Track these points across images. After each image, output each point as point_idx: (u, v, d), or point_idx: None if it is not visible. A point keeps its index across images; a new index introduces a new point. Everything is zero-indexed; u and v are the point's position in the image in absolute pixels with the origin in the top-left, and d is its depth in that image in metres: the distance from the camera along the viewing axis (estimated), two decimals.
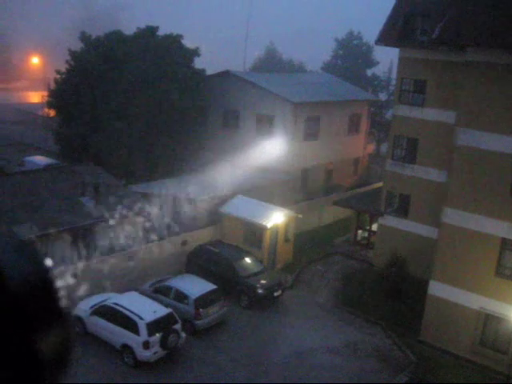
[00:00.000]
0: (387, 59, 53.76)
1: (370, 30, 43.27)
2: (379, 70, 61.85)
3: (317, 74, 53.69)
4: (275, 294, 24.72)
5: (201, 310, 21.74)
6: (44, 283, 1.13)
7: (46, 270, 1.15)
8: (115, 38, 37.01)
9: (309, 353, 21.13)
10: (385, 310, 24.47)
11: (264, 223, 27.46)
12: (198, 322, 21.70)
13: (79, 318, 21.05)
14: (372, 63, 63.47)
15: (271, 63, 66.13)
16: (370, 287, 26.55)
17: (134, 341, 19.19)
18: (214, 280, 23.74)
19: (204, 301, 22.06)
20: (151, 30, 37.69)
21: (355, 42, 64.08)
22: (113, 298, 21.01)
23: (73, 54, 37.24)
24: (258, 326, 22.90)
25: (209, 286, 22.91)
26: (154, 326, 19.30)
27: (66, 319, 1.17)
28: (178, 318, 20.24)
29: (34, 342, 1.06)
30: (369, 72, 62.91)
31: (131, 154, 34.72)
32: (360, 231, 31.99)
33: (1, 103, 62.34)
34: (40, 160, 40.69)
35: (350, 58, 62.60)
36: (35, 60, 77.46)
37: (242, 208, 28.79)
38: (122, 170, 33.49)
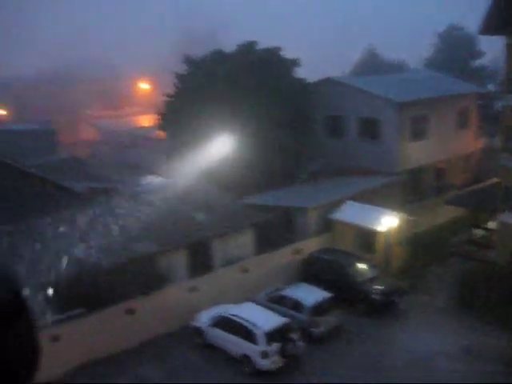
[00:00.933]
0: (493, 48, 51.38)
1: (472, 21, 41.62)
2: (485, 61, 59.27)
3: (419, 71, 52.31)
4: (391, 300, 24.28)
5: (317, 318, 21.79)
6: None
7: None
8: (218, 57, 38.21)
9: (429, 358, 20.54)
10: (508, 313, 23.30)
11: (376, 227, 27.11)
12: (314, 330, 21.76)
13: (199, 330, 21.77)
14: (477, 54, 60.96)
15: (372, 65, 65.28)
16: (491, 288, 25.39)
17: (253, 350, 19.57)
18: (328, 288, 23.72)
19: (320, 309, 22.10)
20: (250, 45, 38.50)
21: (457, 33, 61.87)
22: (230, 309, 21.55)
23: (179, 76, 38.85)
24: (375, 333, 22.59)
25: (324, 294, 22.93)
26: (271, 336, 19.59)
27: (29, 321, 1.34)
28: (295, 326, 20.42)
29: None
30: (474, 63, 60.47)
31: (239, 168, 35.49)
32: (476, 230, 30.70)
33: (114, 129, 65.99)
34: (154, 181, 42.57)
35: (453, 51, 60.49)
36: (145, 86, 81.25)
37: (353, 213, 28.58)
38: (231, 184, 34.30)
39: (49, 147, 54.50)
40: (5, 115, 70.51)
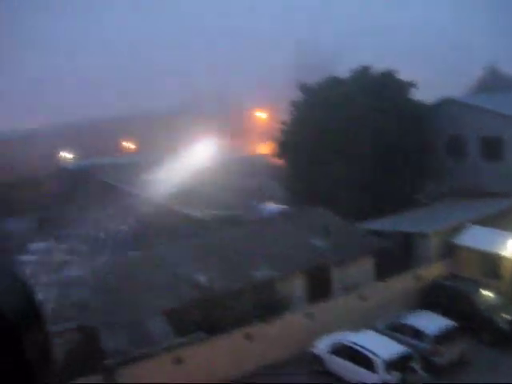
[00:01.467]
0: None
1: None
2: None
3: None
4: None
5: (439, 346, 21.03)
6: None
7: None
8: (332, 83, 38.48)
9: None
10: None
11: (502, 252, 25.81)
12: (436, 359, 20.99)
13: (318, 357, 21.72)
14: None
15: (493, 82, 62.56)
16: None
17: (372, 379, 19.22)
18: (451, 316, 22.82)
19: (442, 337, 21.31)
20: (365, 70, 38.43)
21: None
22: (350, 337, 21.34)
23: (294, 104, 39.51)
24: (502, 364, 21.36)
25: (446, 323, 22.10)
26: (392, 365, 19.16)
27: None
28: (416, 356, 19.84)
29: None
30: None
31: (355, 193, 35.28)
32: None
33: (235, 157, 67.93)
34: (272, 207, 43.31)
35: None
36: (262, 115, 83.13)
37: (476, 238, 27.42)
38: (348, 210, 34.13)
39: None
40: (132, 148, 74.97)
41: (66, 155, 70.85)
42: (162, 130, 71.88)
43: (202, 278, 23.74)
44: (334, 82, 38.44)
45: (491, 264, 26.23)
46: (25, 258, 31.67)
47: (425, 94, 38.37)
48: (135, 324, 21.30)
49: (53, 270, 26.32)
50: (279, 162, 42.87)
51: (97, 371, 18.93)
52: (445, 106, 37.26)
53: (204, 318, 21.95)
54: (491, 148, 34.65)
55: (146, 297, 23.03)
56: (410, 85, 37.77)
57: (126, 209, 34.77)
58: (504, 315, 22.93)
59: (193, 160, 69.82)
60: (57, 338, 19.33)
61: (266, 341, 22.67)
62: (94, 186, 39.44)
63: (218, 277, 24.09)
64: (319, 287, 26.13)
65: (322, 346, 21.90)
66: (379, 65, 38.90)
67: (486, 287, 24.62)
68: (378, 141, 35.08)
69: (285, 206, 41.86)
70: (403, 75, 38.25)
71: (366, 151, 34.85)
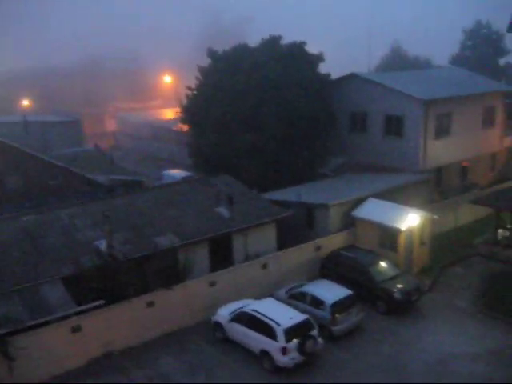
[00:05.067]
0: None
1: (499, 18, 41.01)
2: None
3: (445, 69, 51.72)
4: (413, 299, 24.09)
5: (337, 315, 21.71)
6: None
7: None
8: (241, 51, 38.13)
9: (450, 360, 20.33)
10: None
11: (398, 226, 26.89)
12: (334, 327, 21.69)
13: (219, 324, 21.82)
14: (504, 52, 60.14)
15: (397, 61, 64.75)
16: None
17: (272, 346, 19.55)
18: (348, 285, 23.62)
19: (340, 306, 21.99)
20: (275, 40, 38.38)
21: (484, 31, 61.03)
22: (251, 305, 21.55)
23: (202, 69, 38.88)
24: (395, 332, 22.43)
25: (344, 292, 22.81)
26: (291, 332, 19.55)
27: None
28: (314, 323, 20.37)
29: None
30: (501, 61, 59.67)
31: (261, 162, 35.44)
32: (501, 230, 30.31)
33: (138, 121, 66.39)
34: (176, 173, 42.85)
35: (480, 49, 59.72)
36: (168, 79, 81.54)
37: (375, 211, 28.39)
38: (254, 179, 34.27)
39: (75, 138, 55.21)
40: (29, 106, 71.27)
41: None
42: (62, 88, 68.93)
43: (103, 244, 23.05)
44: (244, 50, 38.12)
45: (388, 236, 27.31)
46: None
47: (332, 71, 38.96)
48: (30, 290, 20.40)
49: None
50: (185, 127, 42.26)
51: None
52: (349, 81, 38.03)
53: (105, 286, 21.38)
54: (392, 125, 35.88)
55: (42, 262, 22.11)
56: (319, 58, 38.16)
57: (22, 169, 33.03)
58: (398, 285, 23.99)
59: (96, 122, 67.65)
60: None
61: (169, 308, 22.48)
62: None
63: (120, 243, 23.50)
64: (222, 255, 26.19)
65: (223, 313, 21.99)
66: (290, 37, 39.04)
67: (383, 259, 25.63)
68: (284, 112, 35.29)
69: (190, 173, 41.50)
70: (312, 50, 38.60)
71: (271, 121, 34.97)
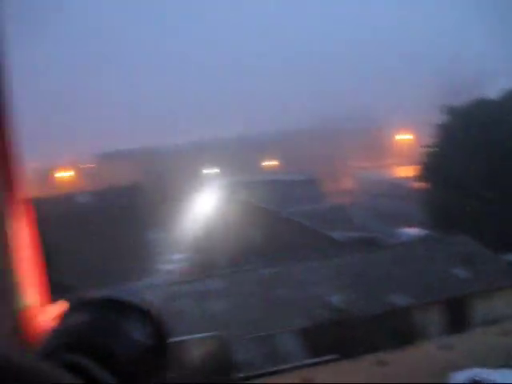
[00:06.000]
0: None
1: None
2: None
3: None
4: None
5: None
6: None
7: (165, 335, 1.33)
8: (481, 105, 36.86)
9: None
10: None
11: None
12: None
13: None
14: None
15: None
16: None
17: None
18: None
19: None
20: None
21: None
22: (487, 375, 20.07)
23: (439, 126, 38.33)
24: None
25: None
26: None
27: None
28: None
29: None
30: None
31: (503, 224, 33.33)
32: None
33: (375, 179, 67.07)
34: (412, 231, 42.14)
35: None
36: (405, 137, 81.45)
37: None
38: (492, 239, 32.30)
39: (315, 195, 57.66)
40: (275, 166, 76.57)
41: (210, 171, 74.01)
42: (307, 147, 72.73)
43: (336, 300, 23.58)
44: (483, 104, 36.76)
45: None
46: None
47: None
48: (265, 338, 21.63)
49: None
50: (421, 185, 41.68)
51: (227, 383, 19.44)
52: None
53: (335, 341, 21.77)
54: None
55: (277, 313, 23.34)
56: None
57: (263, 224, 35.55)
58: None
59: (333, 180, 69.93)
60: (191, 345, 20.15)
61: (399, 369, 21.97)
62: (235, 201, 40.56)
63: (353, 299, 23.83)
64: (458, 319, 24.97)
65: (457, 380, 20.80)
66: None
67: None
68: None
69: (425, 232, 40.55)
70: None
71: None
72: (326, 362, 20.76)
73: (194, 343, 21.81)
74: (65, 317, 1.21)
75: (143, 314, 1.25)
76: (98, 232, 38.40)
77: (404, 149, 76.70)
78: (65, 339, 1.14)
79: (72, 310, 1.24)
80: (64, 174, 74.00)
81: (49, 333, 1.15)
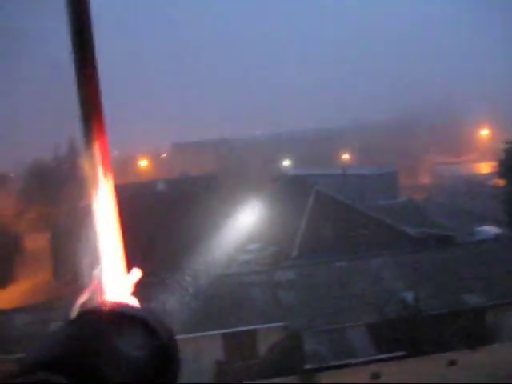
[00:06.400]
0: None
1: None
2: None
3: None
4: None
5: None
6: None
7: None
8: None
9: None
10: None
11: None
12: None
13: None
14: None
15: None
16: None
17: None
18: None
19: None
20: None
21: None
22: None
23: None
24: None
25: None
26: None
27: None
28: None
29: None
30: None
31: None
32: None
33: (453, 175, 65.49)
34: (489, 230, 41.07)
35: None
36: (484, 132, 79.03)
37: None
38: None
39: (391, 190, 57.05)
40: (348, 159, 75.99)
41: (285, 163, 74.47)
42: (380, 142, 71.87)
43: (408, 296, 23.53)
44: None
45: None
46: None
47: None
48: (337, 332, 21.90)
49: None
50: (501, 182, 40.53)
51: (295, 373, 19.84)
52: None
53: (406, 337, 21.75)
54: None
55: (350, 307, 23.54)
56: None
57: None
58: None
59: (411, 174, 68.87)
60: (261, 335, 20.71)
61: (471, 370, 21.71)
62: (308, 193, 40.71)
63: (427, 297, 23.68)
64: None
65: None
66: None
67: None
68: None
69: (502, 230, 39.46)
70: None
71: None
72: (394, 358, 20.82)
73: (265, 332, 22.39)
74: (54, 331, 1.06)
75: (146, 328, 1.07)
76: (175, 219, 39.43)
77: (486, 144, 74.51)
78: (45, 356, 0.97)
79: (64, 323, 1.09)
80: (141, 163, 77.62)
81: (31, 349, 1.00)
